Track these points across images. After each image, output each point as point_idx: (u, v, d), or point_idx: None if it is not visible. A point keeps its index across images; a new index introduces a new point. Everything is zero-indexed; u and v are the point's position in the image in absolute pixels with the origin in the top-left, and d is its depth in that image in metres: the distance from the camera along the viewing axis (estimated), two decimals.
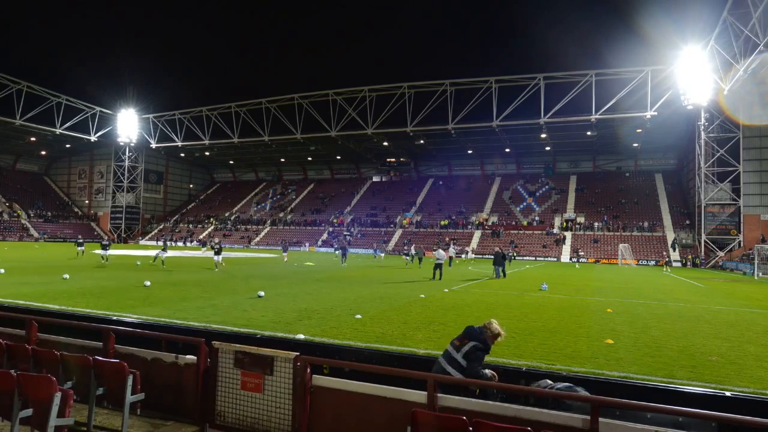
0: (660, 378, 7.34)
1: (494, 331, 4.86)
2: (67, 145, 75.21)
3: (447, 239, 61.70)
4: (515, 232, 61.10)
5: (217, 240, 36.43)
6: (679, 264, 49.74)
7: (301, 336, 9.28)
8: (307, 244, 65.86)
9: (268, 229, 72.92)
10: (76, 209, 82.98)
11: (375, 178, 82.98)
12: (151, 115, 71.77)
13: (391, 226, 67.82)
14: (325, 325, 10.90)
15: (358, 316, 11.94)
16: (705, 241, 47.89)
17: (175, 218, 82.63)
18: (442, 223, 65.93)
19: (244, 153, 79.05)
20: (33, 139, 70.26)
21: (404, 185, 78.63)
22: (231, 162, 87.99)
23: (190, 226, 78.55)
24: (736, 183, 47.36)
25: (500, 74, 53.47)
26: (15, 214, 71.44)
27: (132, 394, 4.70)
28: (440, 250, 26.05)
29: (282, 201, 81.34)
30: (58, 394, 4.13)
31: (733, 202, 47.50)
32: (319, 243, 66.58)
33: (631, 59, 59.20)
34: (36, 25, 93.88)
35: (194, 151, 79.21)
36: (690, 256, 49.51)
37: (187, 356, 5.07)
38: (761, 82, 41.96)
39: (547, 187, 68.79)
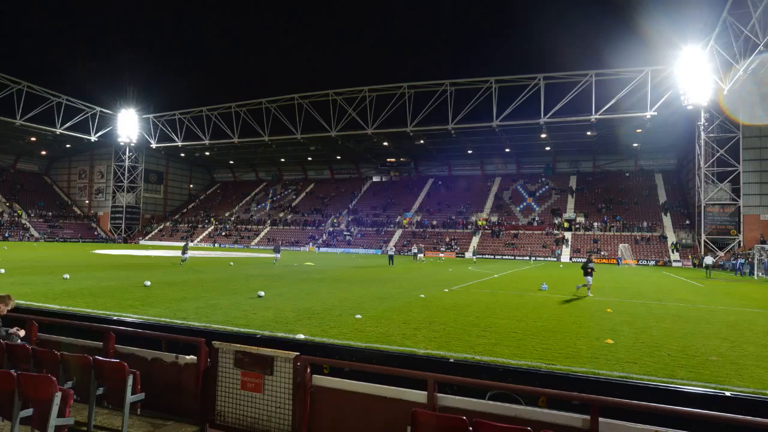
0: (660, 378, 7.34)
1: None
2: (68, 145, 75.26)
3: (447, 239, 61.74)
4: (515, 232, 61.11)
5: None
6: (679, 264, 49.72)
7: (301, 336, 9.28)
8: (310, 244, 65.88)
9: (268, 229, 72.93)
10: (76, 209, 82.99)
11: (375, 178, 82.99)
12: (151, 115, 71.81)
13: (391, 226, 67.83)
14: (325, 325, 10.90)
15: (358, 316, 11.94)
16: (705, 241, 47.88)
17: (175, 218, 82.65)
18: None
19: (244, 153, 79.09)
20: (33, 139, 70.29)
21: (404, 185, 78.65)
22: (231, 162, 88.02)
23: (189, 226, 78.59)
24: (735, 183, 47.34)
25: (500, 74, 53.55)
26: (15, 214, 71.46)
27: (132, 394, 4.71)
28: None
29: (282, 201, 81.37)
30: (59, 394, 4.13)
31: (733, 202, 47.49)
32: (320, 243, 66.61)
33: (631, 59, 59.06)
34: (36, 25, 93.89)
35: (194, 151, 79.24)
36: (695, 259, 49.12)
37: (187, 356, 5.08)
38: (761, 82, 41.96)
39: (547, 187, 68.80)
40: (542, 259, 54.84)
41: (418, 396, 4.03)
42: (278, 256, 33.67)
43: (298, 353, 4.51)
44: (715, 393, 4.27)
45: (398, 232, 66.09)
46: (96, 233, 77.17)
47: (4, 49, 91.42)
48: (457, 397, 4.04)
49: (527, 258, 54.36)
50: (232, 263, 32.06)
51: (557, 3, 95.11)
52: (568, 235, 58.52)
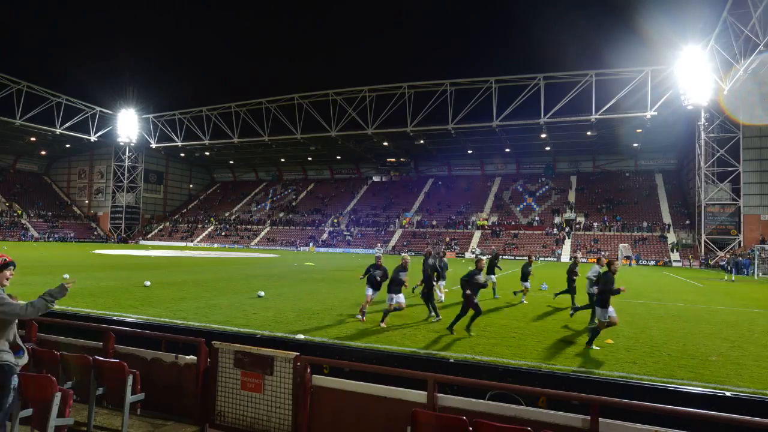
0: (660, 378, 7.34)
1: None
2: (67, 145, 75.23)
3: (447, 239, 61.73)
4: (515, 232, 61.10)
5: None
6: (679, 264, 49.70)
7: (301, 336, 9.28)
8: (310, 244, 65.86)
9: (268, 229, 72.93)
10: (76, 209, 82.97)
11: (375, 178, 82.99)
12: (151, 115, 71.78)
13: (391, 226, 67.82)
14: (325, 325, 10.90)
15: (359, 316, 11.94)
16: (705, 241, 47.87)
17: (175, 218, 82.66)
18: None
19: (244, 153, 79.07)
20: (33, 139, 70.27)
21: (404, 185, 78.65)
22: (231, 162, 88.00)
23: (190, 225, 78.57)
24: (736, 183, 47.32)
25: (500, 74, 53.52)
26: (15, 214, 71.45)
27: (132, 394, 4.70)
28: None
29: (282, 201, 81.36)
30: (58, 394, 4.13)
31: (733, 202, 47.48)
32: (320, 243, 66.61)
33: (631, 59, 59.12)
34: (36, 25, 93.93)
35: (194, 151, 79.22)
36: (700, 259, 49.00)
37: (187, 356, 5.07)
38: (761, 82, 41.95)
39: (547, 187, 68.79)
40: (543, 259, 54.83)
41: (418, 396, 4.03)
42: None
43: (298, 353, 4.51)
44: (715, 393, 4.27)
45: (398, 232, 66.09)
46: (96, 233, 77.14)
47: (4, 49, 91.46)
48: (457, 397, 4.04)
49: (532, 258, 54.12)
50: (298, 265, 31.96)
51: (557, 3, 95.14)
52: (568, 235, 58.50)
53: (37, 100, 60.95)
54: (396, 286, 10.98)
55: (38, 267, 24.19)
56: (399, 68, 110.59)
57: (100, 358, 4.96)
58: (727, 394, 4.20)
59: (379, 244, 42.55)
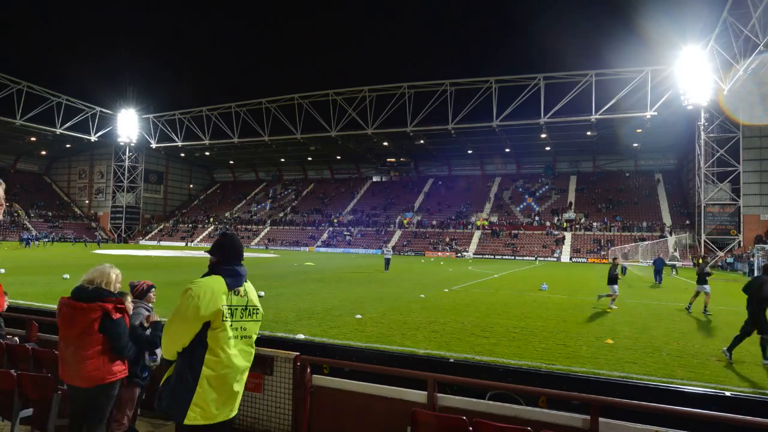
0: (660, 378, 7.34)
1: None
2: (67, 145, 75.19)
3: (447, 239, 61.74)
4: (515, 232, 61.09)
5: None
6: (680, 264, 49.65)
7: (301, 336, 9.28)
8: (311, 244, 65.86)
9: (268, 229, 72.93)
10: (76, 209, 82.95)
11: (375, 178, 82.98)
12: (151, 115, 71.76)
13: (391, 226, 67.81)
14: (325, 325, 10.90)
15: (359, 316, 11.94)
16: (705, 241, 47.86)
17: (175, 218, 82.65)
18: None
19: (244, 153, 79.05)
20: (33, 139, 70.24)
21: (404, 185, 78.63)
22: (231, 162, 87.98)
23: (190, 226, 78.55)
24: (736, 183, 47.29)
25: (500, 74, 53.46)
26: (15, 214, 71.43)
27: None
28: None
29: (282, 201, 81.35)
30: (59, 394, 4.13)
31: (733, 202, 47.46)
32: (320, 243, 66.61)
33: (631, 59, 59.07)
34: (36, 25, 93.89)
35: (194, 151, 79.20)
36: (693, 259, 49.12)
37: None
38: (761, 82, 41.91)
39: (547, 187, 68.78)
40: (543, 258, 54.83)
41: (418, 396, 4.03)
42: None
43: (298, 353, 4.51)
44: (715, 393, 4.27)
45: (398, 232, 66.08)
46: (96, 233, 77.10)
47: (4, 49, 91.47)
48: (457, 397, 4.04)
49: (532, 258, 54.27)
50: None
51: (557, 3, 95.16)
52: (568, 235, 58.50)
53: (37, 100, 60.94)
54: None
55: (38, 267, 24.20)
56: (399, 68, 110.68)
57: None
58: (727, 394, 4.20)
59: (391, 246, 42.25)
